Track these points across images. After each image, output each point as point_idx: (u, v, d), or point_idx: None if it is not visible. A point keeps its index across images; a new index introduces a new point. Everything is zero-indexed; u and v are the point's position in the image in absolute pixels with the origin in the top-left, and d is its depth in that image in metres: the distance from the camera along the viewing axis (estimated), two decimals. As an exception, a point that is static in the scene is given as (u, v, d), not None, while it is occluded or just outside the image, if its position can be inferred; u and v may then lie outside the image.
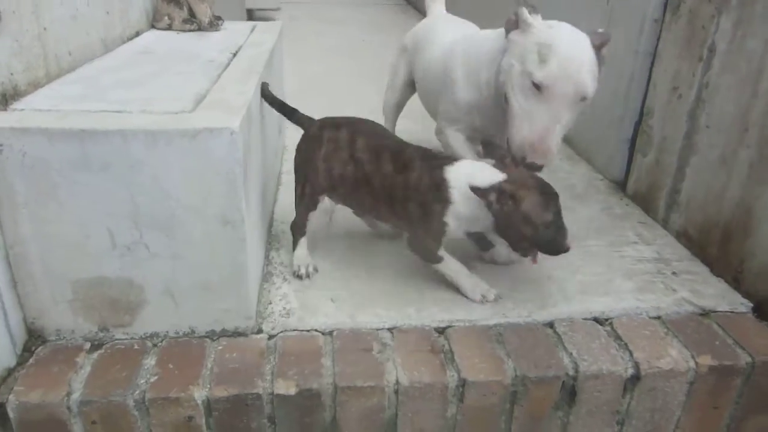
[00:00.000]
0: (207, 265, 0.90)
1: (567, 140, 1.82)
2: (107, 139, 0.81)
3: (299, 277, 1.10)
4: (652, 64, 1.37)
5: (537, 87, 0.95)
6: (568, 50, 0.95)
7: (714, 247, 1.17)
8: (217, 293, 0.92)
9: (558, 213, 0.94)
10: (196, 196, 0.85)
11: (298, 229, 1.13)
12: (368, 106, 2.02)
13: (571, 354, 0.93)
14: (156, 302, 0.92)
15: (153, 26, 1.52)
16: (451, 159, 1.00)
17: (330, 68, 2.52)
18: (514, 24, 1.01)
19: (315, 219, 1.10)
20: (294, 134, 1.75)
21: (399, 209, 1.00)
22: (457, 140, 1.18)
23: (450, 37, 1.28)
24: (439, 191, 0.95)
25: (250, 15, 3.38)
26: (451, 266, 1.05)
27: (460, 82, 1.14)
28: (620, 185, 1.52)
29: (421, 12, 3.64)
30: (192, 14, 1.49)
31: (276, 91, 1.52)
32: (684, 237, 1.26)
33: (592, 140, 1.65)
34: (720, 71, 1.15)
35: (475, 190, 0.91)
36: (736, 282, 1.11)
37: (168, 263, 0.89)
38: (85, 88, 0.98)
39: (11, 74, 0.89)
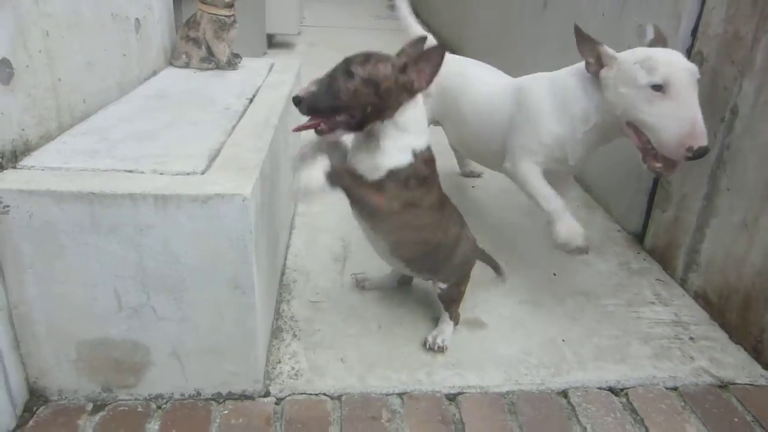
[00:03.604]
0: (215, 328, 0.88)
1: (584, 186, 1.80)
2: (116, 203, 0.79)
3: None
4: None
5: (659, 88, 1.02)
6: (662, 52, 1.06)
7: (733, 313, 1.13)
8: (225, 356, 0.90)
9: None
10: (205, 261, 0.83)
11: None
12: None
13: (585, 429, 0.90)
14: (162, 364, 0.89)
15: (171, 63, 1.51)
16: None
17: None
18: (596, 66, 1.11)
19: None
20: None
21: None
22: (533, 172, 1.21)
23: (503, 80, 1.36)
24: None
25: (271, 40, 3.39)
26: None
27: (548, 117, 1.18)
28: (638, 238, 1.49)
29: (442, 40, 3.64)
30: (210, 53, 1.48)
31: (287, 134, 1.48)
32: (702, 299, 1.22)
33: (610, 188, 1.62)
34: (742, 134, 1.12)
35: None
36: (756, 352, 1.07)
37: (175, 326, 0.87)
38: (97, 141, 0.96)
39: (22, 130, 0.88)
